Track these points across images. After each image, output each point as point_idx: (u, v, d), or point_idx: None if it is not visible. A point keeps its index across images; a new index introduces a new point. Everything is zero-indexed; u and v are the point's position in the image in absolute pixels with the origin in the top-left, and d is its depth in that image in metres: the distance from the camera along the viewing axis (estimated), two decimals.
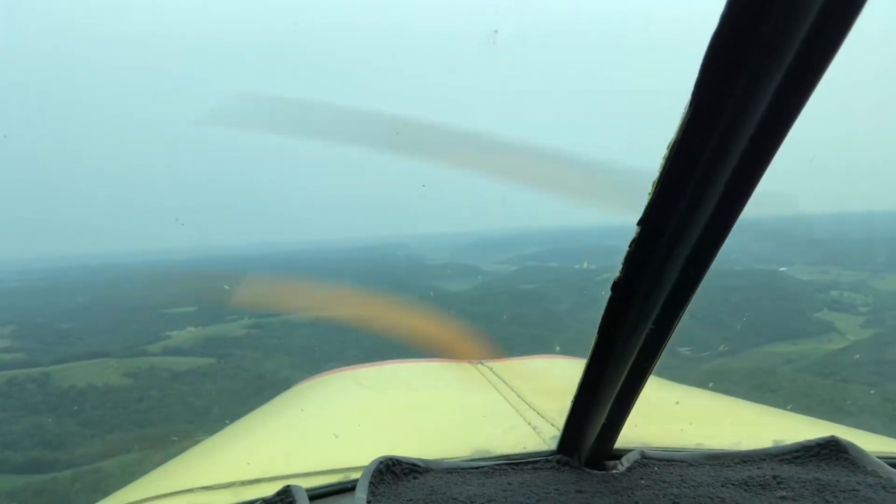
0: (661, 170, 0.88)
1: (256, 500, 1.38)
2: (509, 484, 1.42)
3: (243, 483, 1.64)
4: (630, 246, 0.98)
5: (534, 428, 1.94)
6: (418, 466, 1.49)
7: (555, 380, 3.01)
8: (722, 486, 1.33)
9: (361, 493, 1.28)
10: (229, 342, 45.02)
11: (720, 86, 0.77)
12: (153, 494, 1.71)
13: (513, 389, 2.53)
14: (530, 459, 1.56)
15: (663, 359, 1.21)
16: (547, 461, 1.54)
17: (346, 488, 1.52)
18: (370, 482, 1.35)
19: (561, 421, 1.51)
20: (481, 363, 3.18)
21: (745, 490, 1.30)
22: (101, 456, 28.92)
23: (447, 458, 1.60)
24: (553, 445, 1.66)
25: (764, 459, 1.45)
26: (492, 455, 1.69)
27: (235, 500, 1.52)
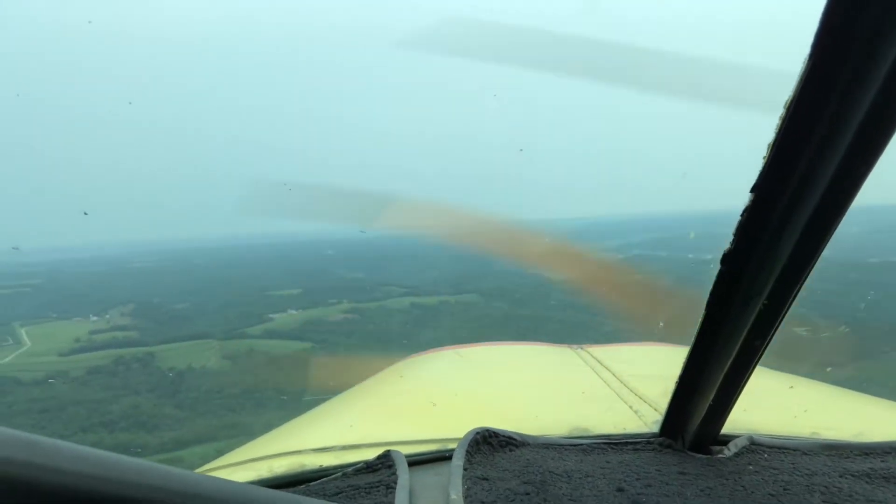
0: (777, 130, 0.81)
1: (359, 463, 1.49)
2: (608, 462, 1.43)
3: (346, 447, 1.77)
4: (742, 215, 0.94)
5: (635, 411, 1.97)
6: (514, 439, 1.53)
7: (655, 365, 2.99)
8: (840, 476, 1.29)
9: (458, 461, 1.35)
10: (326, 326, 44.13)
11: (843, 34, 0.72)
12: (265, 454, 1.84)
13: (613, 373, 2.61)
14: (630, 440, 1.57)
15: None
16: (649, 443, 1.55)
17: (444, 457, 1.56)
18: (467, 451, 1.41)
19: (662, 405, 1.54)
20: (581, 348, 3.27)
21: (867, 482, 1.26)
22: (185, 443, 28.43)
23: (544, 435, 1.62)
24: (655, 429, 1.66)
25: (889, 453, 1.41)
26: (590, 434, 1.71)
27: (339, 462, 1.61)
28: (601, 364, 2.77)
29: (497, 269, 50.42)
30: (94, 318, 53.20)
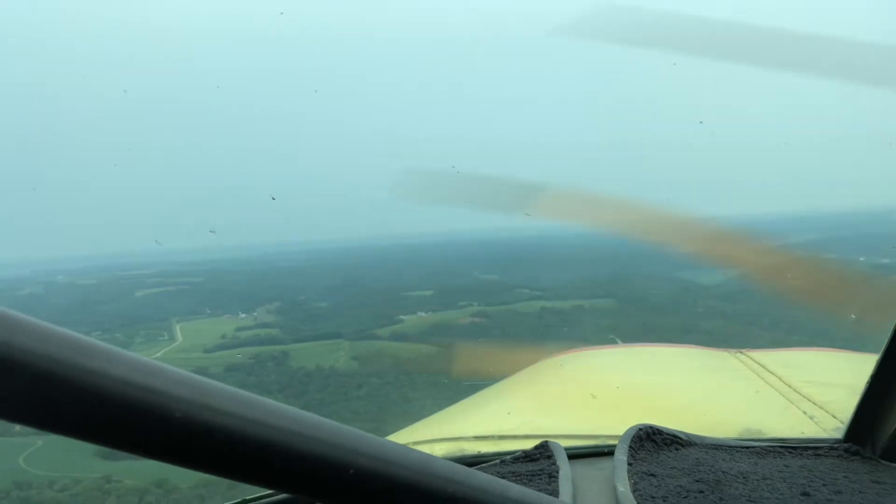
0: None
1: (516, 451, 1.54)
2: (786, 466, 1.38)
3: (503, 437, 1.81)
4: None
5: (810, 417, 1.91)
6: (680, 438, 1.50)
7: (827, 372, 2.91)
8: None
9: (622, 455, 1.33)
10: (453, 330, 43.12)
11: None
12: (425, 438, 1.90)
13: (780, 378, 2.57)
14: (811, 445, 1.51)
15: None
16: (832, 448, 1.48)
17: (603, 452, 1.55)
18: (629, 446, 1.38)
19: (840, 411, 1.55)
20: (740, 352, 3.19)
21: None
22: None
23: (711, 436, 1.57)
24: (836, 435, 1.59)
25: None
26: (763, 437, 1.64)
27: (496, 450, 1.63)
28: (765, 369, 2.71)
29: (639, 272, 46.92)
30: (243, 316, 56.27)
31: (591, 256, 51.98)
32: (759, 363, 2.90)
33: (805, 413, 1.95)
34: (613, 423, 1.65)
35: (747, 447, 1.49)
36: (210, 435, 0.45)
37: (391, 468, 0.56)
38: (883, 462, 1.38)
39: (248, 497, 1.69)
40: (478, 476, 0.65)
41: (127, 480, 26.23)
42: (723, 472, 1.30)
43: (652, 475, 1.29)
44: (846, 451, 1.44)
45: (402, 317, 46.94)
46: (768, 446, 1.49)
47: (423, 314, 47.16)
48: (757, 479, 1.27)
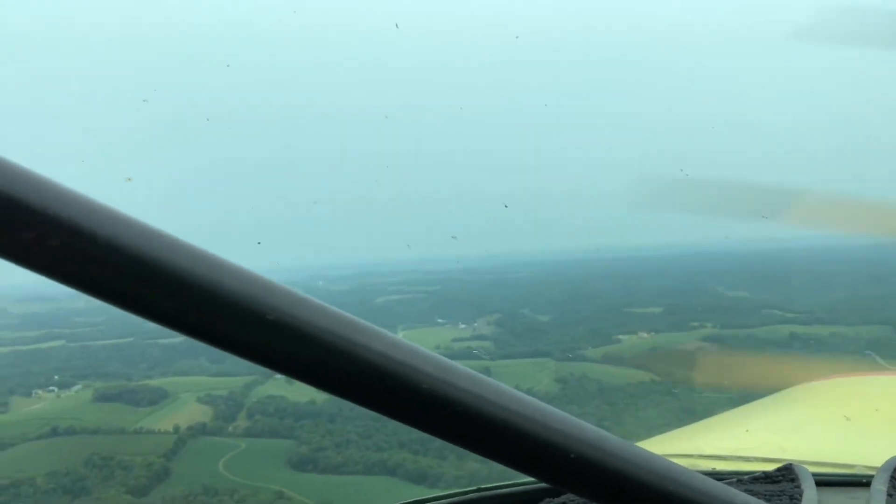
0: None
1: (757, 472, 1.45)
2: None
3: (741, 457, 1.75)
4: None
5: None
6: None
7: None
8: None
9: (880, 486, 1.24)
10: (674, 356, 37.26)
11: None
12: (665, 452, 1.81)
13: None
14: None
15: None
16: None
17: (859, 482, 1.45)
18: (891, 477, 1.29)
19: None
20: None
21: None
22: (483, 478, 25.97)
23: None
24: None
25: None
26: None
27: (735, 469, 1.56)
28: None
29: None
30: (462, 326, 55.95)
31: (857, 272, 41.96)
32: None
33: None
34: (870, 452, 1.53)
35: None
36: (449, 406, 0.51)
37: (628, 466, 0.58)
38: None
39: (482, 486, 1.74)
40: (719, 487, 0.64)
41: (298, 497, 26.48)
42: None
43: None
44: None
45: (620, 336, 42.24)
46: None
47: (644, 335, 41.90)
48: None
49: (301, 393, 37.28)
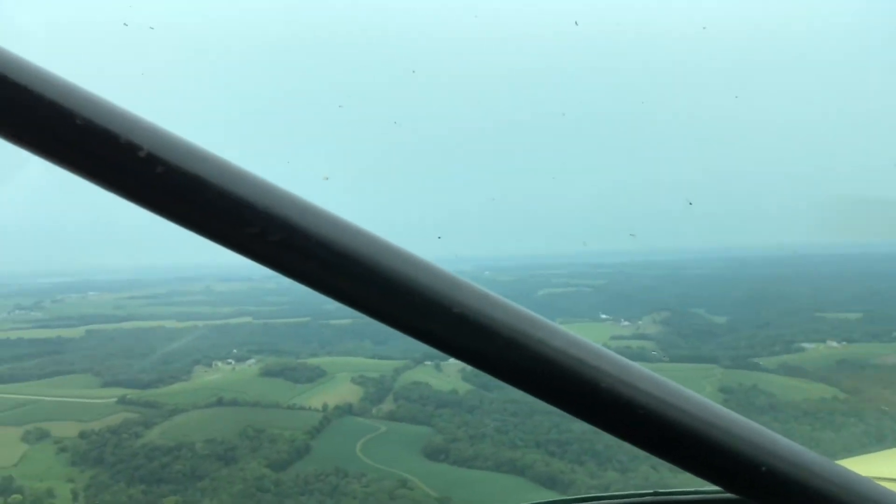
0: None
1: None
2: None
3: None
4: None
5: None
6: None
7: None
8: None
9: None
10: (872, 370, 31.70)
11: None
12: (870, 474, 1.78)
13: None
14: None
15: None
16: None
17: None
18: None
19: None
20: None
21: None
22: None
23: None
24: None
25: None
26: None
27: None
28: None
29: None
30: (625, 324, 52.77)
31: None
32: None
33: None
34: None
35: None
36: (630, 408, 0.52)
37: (827, 485, 0.56)
38: None
39: (659, 490, 1.75)
40: None
41: (421, 488, 26.17)
42: None
43: None
44: None
45: (804, 344, 36.91)
46: None
47: (834, 344, 36.15)
48: None
49: (445, 381, 37.29)
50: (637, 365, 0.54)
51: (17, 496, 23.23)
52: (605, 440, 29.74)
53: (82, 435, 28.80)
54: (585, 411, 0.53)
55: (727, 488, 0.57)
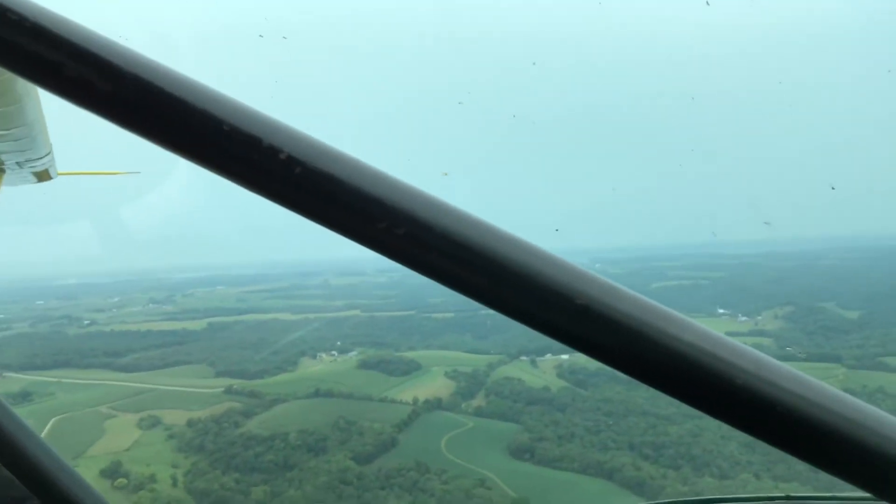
0: None
1: None
2: None
3: None
4: None
5: None
6: None
7: None
8: None
9: None
10: None
11: None
12: None
13: None
14: None
15: None
16: None
17: None
18: None
19: None
20: None
21: None
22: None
23: None
24: None
25: None
26: None
27: None
28: None
29: None
30: (743, 319, 49.20)
31: None
32: None
33: None
34: None
35: None
36: (769, 406, 0.50)
37: None
38: None
39: (792, 495, 1.69)
40: None
41: (500, 487, 25.48)
42: None
43: None
44: None
45: None
46: None
47: None
48: None
49: (539, 378, 36.36)
50: (776, 361, 0.52)
51: (122, 480, 25.16)
52: (704, 444, 27.69)
53: (189, 423, 30.75)
54: (719, 409, 0.51)
55: (879, 495, 0.53)
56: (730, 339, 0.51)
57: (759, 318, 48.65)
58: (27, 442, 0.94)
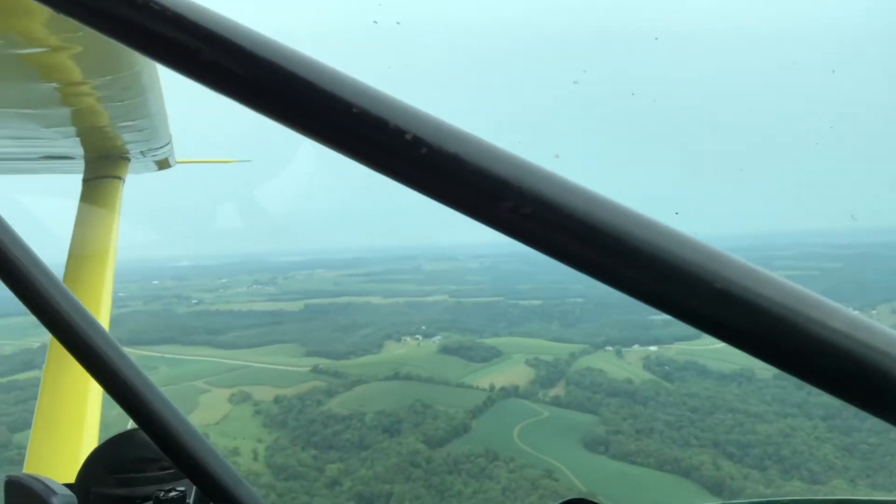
0: None
1: None
2: None
3: None
4: None
5: None
6: None
7: None
8: None
9: None
10: None
11: None
12: None
13: None
14: None
15: None
16: None
17: None
18: None
19: None
20: None
21: None
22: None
23: None
24: None
25: None
26: None
27: None
28: None
29: None
30: (854, 314, 45.39)
31: None
32: None
33: None
34: None
35: None
36: None
37: None
38: None
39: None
40: None
41: (568, 479, 24.80)
42: None
43: None
44: None
45: None
46: None
47: None
48: None
49: (623, 369, 35.19)
50: None
51: None
52: (795, 445, 25.82)
53: (276, 399, 32.18)
54: (871, 403, 0.45)
55: None
56: (884, 327, 0.44)
57: (874, 312, 44.95)
58: (164, 409, 0.94)
